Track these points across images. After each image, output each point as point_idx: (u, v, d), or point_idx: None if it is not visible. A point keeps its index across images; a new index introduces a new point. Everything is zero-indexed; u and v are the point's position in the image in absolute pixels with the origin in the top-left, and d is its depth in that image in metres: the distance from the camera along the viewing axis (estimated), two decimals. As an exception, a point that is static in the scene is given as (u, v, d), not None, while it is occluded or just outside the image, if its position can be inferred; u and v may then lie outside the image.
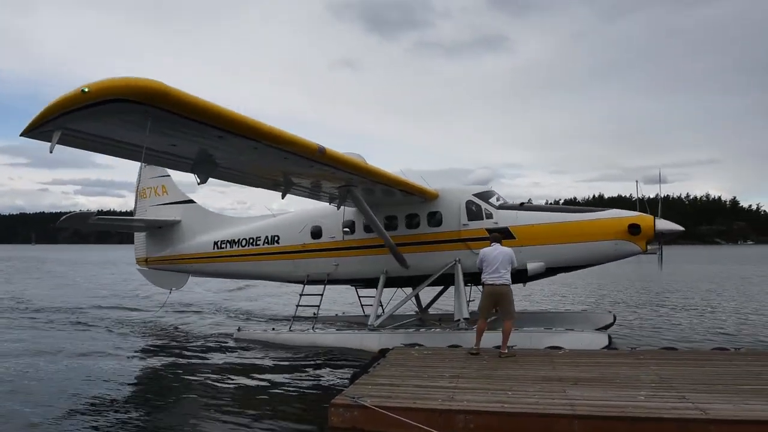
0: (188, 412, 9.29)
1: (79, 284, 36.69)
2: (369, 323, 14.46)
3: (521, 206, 14.52)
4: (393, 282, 15.48)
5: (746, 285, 33.89)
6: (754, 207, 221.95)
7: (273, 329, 15.81)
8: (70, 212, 16.80)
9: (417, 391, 8.06)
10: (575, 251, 13.72)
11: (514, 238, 13.75)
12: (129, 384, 11.05)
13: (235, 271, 17.63)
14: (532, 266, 13.62)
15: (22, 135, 8.12)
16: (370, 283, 15.92)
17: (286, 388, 10.62)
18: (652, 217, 13.46)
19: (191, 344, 15.21)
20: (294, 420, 8.61)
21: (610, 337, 12.85)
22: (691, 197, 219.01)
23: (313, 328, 15.15)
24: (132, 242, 20.06)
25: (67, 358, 13.21)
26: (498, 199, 14.72)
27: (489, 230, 13.57)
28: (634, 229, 13.31)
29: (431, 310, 17.93)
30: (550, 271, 14.07)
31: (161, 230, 18.66)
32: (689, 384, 8.13)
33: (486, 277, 10.90)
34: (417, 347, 11.82)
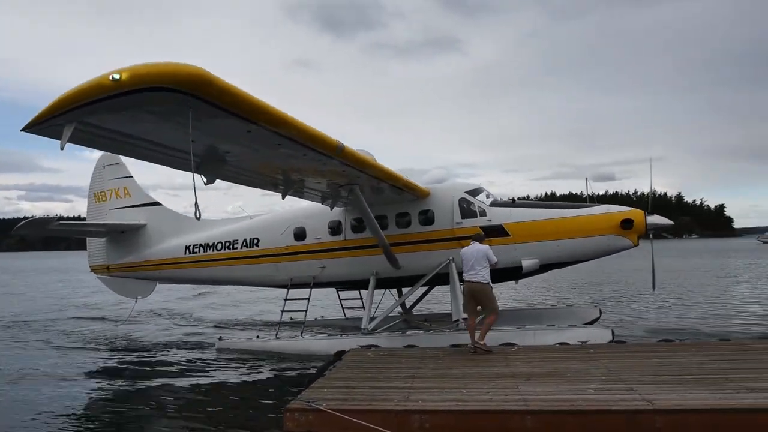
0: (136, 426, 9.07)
1: (25, 294, 35.41)
2: (363, 327, 13.90)
3: (513, 203, 14.51)
4: (384, 283, 15.12)
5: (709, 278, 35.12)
6: (698, 202, 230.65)
7: (258, 337, 15.19)
8: (19, 219, 16.10)
9: (373, 392, 8.07)
10: (569, 247, 13.72)
11: (509, 235, 13.74)
12: (76, 411, 9.85)
13: (211, 277, 16.77)
14: (526, 263, 13.61)
15: (24, 130, 7.43)
16: (359, 285, 15.55)
17: (243, 395, 10.53)
18: (642, 211, 13.67)
19: (156, 356, 14.54)
20: (250, 427, 8.53)
21: (613, 332, 12.88)
22: (639, 193, 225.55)
23: (301, 333, 14.50)
24: (82, 248, 19.01)
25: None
26: (488, 196, 14.58)
27: (483, 228, 13.43)
28: (626, 223, 13.44)
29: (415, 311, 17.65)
30: (543, 267, 14.06)
31: (124, 235, 17.60)
32: (637, 376, 8.36)
33: (464, 275, 11.04)
34: (373, 348, 11.83)
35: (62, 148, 7.52)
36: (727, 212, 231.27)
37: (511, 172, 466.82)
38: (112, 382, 12.09)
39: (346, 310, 17.21)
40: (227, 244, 16.24)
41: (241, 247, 16.02)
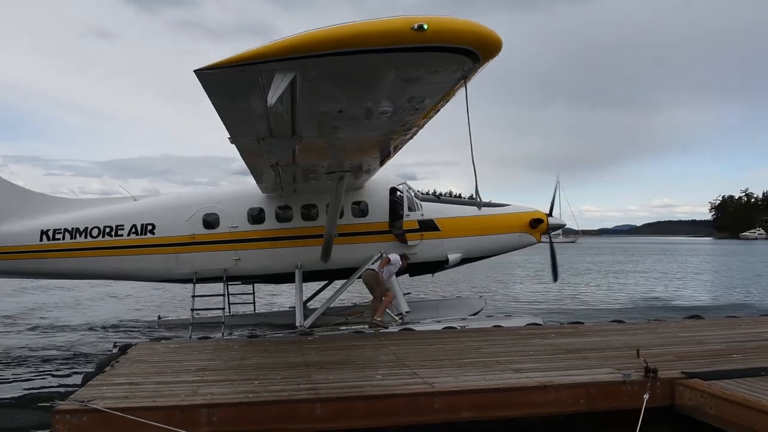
0: None
1: None
2: (297, 324, 12.81)
3: (439, 199, 14.87)
4: (309, 277, 14.16)
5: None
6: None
7: (164, 341, 12.10)
8: None
9: (158, 388, 7.62)
10: (487, 243, 14.66)
11: (439, 230, 14.04)
12: None
13: (82, 270, 13.83)
14: (452, 257, 14.18)
15: (208, 69, 6.08)
16: (278, 279, 14.50)
17: (17, 397, 9.41)
18: (544, 212, 15.08)
19: None
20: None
21: (542, 320, 14.47)
22: (438, 193, 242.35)
23: (223, 335, 12.65)
24: None
25: None
26: (409, 189, 14.58)
27: (419, 222, 13.69)
28: (536, 222, 14.73)
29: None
30: (462, 261, 14.64)
31: None
32: (420, 361, 8.95)
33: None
34: (163, 341, 11.22)
35: (272, 102, 6.34)
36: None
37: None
38: None
39: (231, 306, 15.63)
40: (108, 230, 13.54)
41: (129, 234, 13.52)
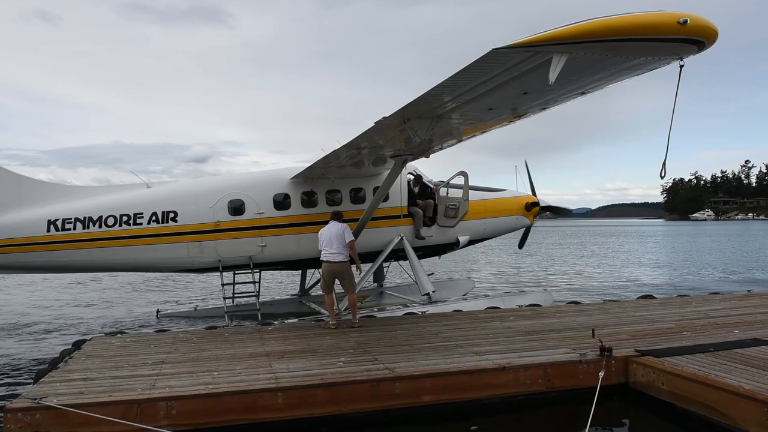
0: None
1: None
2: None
3: (447, 184, 14.77)
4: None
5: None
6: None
7: (119, 335, 11.53)
8: None
9: (115, 382, 7.45)
10: (490, 225, 15.36)
11: None
12: None
13: (94, 262, 13.05)
14: (462, 239, 14.73)
15: (505, 48, 6.36)
16: (303, 264, 14.65)
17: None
18: (535, 196, 15.84)
19: None
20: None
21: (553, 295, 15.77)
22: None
23: (259, 321, 12.60)
24: None
25: None
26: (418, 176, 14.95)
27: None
28: (531, 205, 15.52)
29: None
30: (469, 243, 15.25)
31: None
32: (382, 347, 9.00)
33: (322, 255, 11.13)
34: (119, 335, 10.99)
35: (552, 81, 6.68)
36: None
37: (277, 153, 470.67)
38: None
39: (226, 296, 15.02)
40: (125, 218, 12.88)
41: (149, 223, 12.95)
